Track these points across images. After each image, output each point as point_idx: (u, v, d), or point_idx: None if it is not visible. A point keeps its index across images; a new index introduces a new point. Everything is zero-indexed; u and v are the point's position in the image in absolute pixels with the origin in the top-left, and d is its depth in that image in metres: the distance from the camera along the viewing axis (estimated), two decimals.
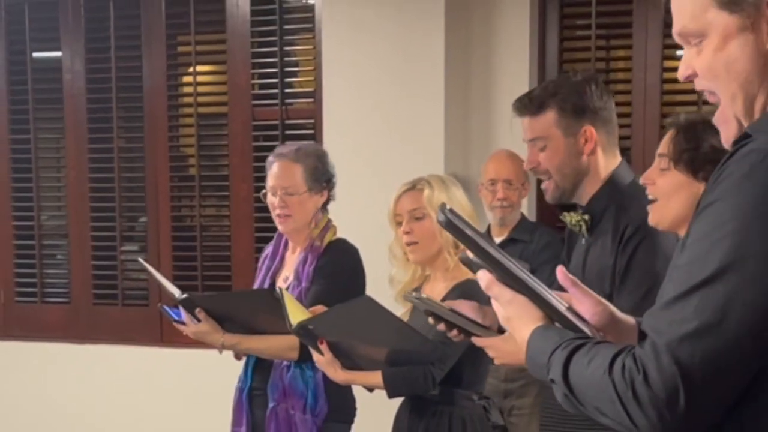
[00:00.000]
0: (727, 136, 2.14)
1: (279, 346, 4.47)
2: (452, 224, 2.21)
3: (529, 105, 3.85)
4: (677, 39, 2.15)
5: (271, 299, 4.26)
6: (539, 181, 5.88)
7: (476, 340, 2.96)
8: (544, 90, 3.91)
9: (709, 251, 1.88)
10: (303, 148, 4.77)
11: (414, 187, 4.34)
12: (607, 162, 3.86)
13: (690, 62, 2.12)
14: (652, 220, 3.45)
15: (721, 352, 1.85)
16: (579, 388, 2.03)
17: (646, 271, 3.51)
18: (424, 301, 3.30)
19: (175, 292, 4.49)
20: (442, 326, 3.44)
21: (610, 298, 3.37)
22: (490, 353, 2.69)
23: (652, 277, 3.44)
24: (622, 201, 3.74)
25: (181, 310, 4.49)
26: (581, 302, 2.23)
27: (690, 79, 2.15)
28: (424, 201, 4.26)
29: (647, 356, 1.89)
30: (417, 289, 3.75)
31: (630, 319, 2.32)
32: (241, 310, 4.44)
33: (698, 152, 3.30)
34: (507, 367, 2.94)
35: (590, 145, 3.80)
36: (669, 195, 3.35)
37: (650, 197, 3.46)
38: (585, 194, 3.86)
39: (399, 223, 4.33)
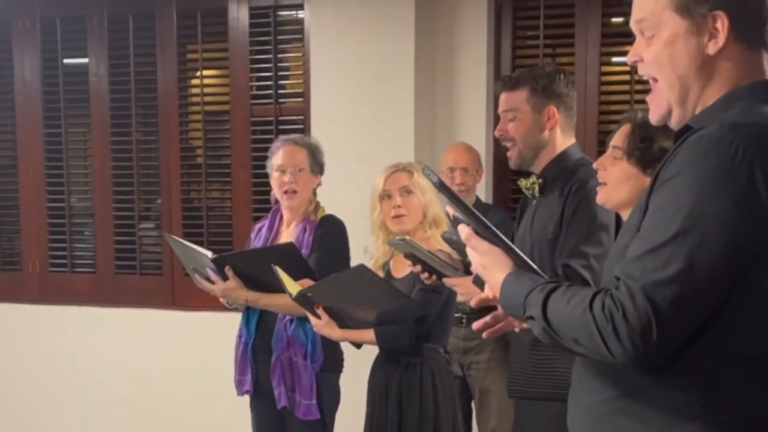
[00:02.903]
0: (654, 113, 2.28)
1: (292, 302, 4.39)
2: (444, 186, 2.38)
3: (508, 82, 3.97)
4: (633, 27, 2.26)
5: (288, 251, 4.39)
6: (496, 170, 5.95)
7: (447, 281, 2.95)
8: (522, 73, 4.02)
9: (674, 215, 1.97)
10: (304, 138, 4.91)
11: (404, 168, 4.44)
12: (563, 140, 3.97)
13: (638, 51, 2.24)
14: (599, 200, 3.48)
15: (686, 295, 1.94)
16: (557, 323, 2.11)
17: (590, 216, 3.65)
18: (408, 242, 3.31)
19: (207, 253, 4.52)
20: (418, 268, 3.49)
21: (553, 242, 3.69)
22: (459, 291, 2.65)
23: (594, 221, 3.64)
24: (570, 169, 3.85)
25: (209, 271, 4.51)
26: None
27: (635, 64, 2.27)
28: (415, 179, 4.38)
29: (624, 297, 1.98)
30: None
31: None
32: (261, 266, 4.36)
33: (650, 151, 3.32)
34: (469, 302, 2.97)
35: (551, 123, 3.91)
36: (618, 182, 3.36)
37: (600, 180, 3.47)
38: (540, 163, 3.94)
39: (387, 197, 4.40)
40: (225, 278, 4.49)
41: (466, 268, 3.39)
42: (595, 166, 3.48)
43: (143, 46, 6.75)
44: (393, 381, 4.36)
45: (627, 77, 5.91)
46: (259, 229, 4.93)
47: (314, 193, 4.83)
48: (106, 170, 6.85)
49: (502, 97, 3.96)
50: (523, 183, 3.99)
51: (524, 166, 3.96)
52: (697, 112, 2.21)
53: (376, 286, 3.96)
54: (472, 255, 2.40)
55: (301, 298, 4.12)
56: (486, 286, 2.45)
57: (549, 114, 3.91)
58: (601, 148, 5.81)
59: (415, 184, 4.32)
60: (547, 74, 3.95)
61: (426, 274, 3.48)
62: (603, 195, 3.43)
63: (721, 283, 1.98)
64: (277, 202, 4.85)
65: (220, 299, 4.69)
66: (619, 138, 3.42)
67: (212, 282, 4.56)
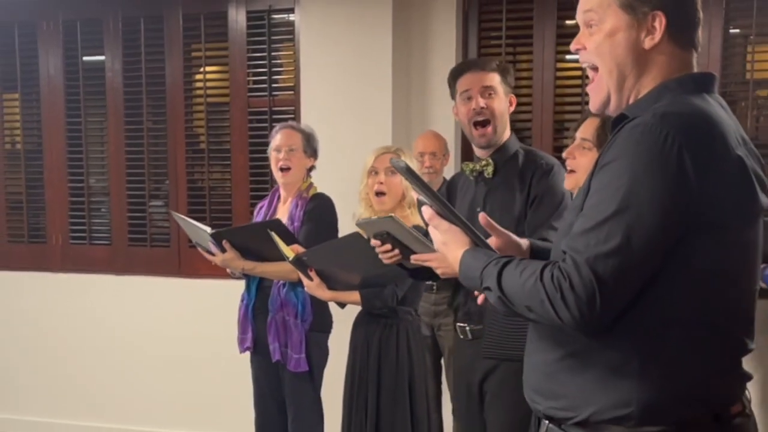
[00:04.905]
0: (594, 101, 2.28)
1: (284, 270, 4.51)
2: (409, 170, 2.37)
3: (487, 63, 3.86)
4: (579, 17, 2.25)
5: (275, 225, 4.37)
6: (463, 154, 5.92)
7: (416, 257, 2.81)
8: (491, 60, 3.95)
9: (613, 195, 1.96)
10: (301, 125, 4.99)
11: (394, 151, 4.44)
12: (509, 128, 3.90)
13: (582, 40, 2.24)
14: (568, 186, 3.47)
15: (625, 266, 1.94)
16: (511, 292, 2.11)
17: (558, 197, 3.62)
18: (395, 220, 3.11)
19: (207, 229, 4.55)
20: (387, 246, 3.24)
21: (519, 218, 3.63)
22: (431, 264, 2.56)
23: (561, 202, 3.60)
24: (525, 155, 3.81)
25: (210, 244, 4.55)
26: (498, 233, 2.44)
27: (577, 51, 2.26)
28: None
29: (570, 268, 1.97)
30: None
31: (525, 241, 2.52)
32: (255, 239, 4.44)
33: None
34: (445, 276, 2.88)
35: (511, 109, 3.86)
36: (587, 170, 3.30)
37: (569, 168, 3.46)
38: (495, 145, 3.86)
39: (374, 173, 4.40)
40: (224, 250, 4.53)
41: None
42: (564, 155, 3.47)
43: (153, 45, 6.71)
44: (373, 338, 4.42)
45: (579, 72, 5.89)
46: (260, 207, 4.98)
47: (308, 174, 4.86)
48: (121, 154, 6.81)
49: (477, 75, 3.81)
50: (470, 166, 3.88)
51: (493, 143, 3.83)
52: (631, 101, 2.21)
53: (367, 251, 3.85)
54: (434, 233, 2.42)
55: (297, 261, 4.17)
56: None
57: (511, 101, 3.87)
58: (557, 135, 5.90)
59: None
60: (508, 66, 3.91)
61: (396, 251, 3.24)
62: (572, 181, 3.40)
63: (656, 255, 1.98)
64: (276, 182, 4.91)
65: (227, 269, 4.74)
66: (588, 131, 3.39)
67: (213, 254, 4.61)
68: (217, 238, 4.50)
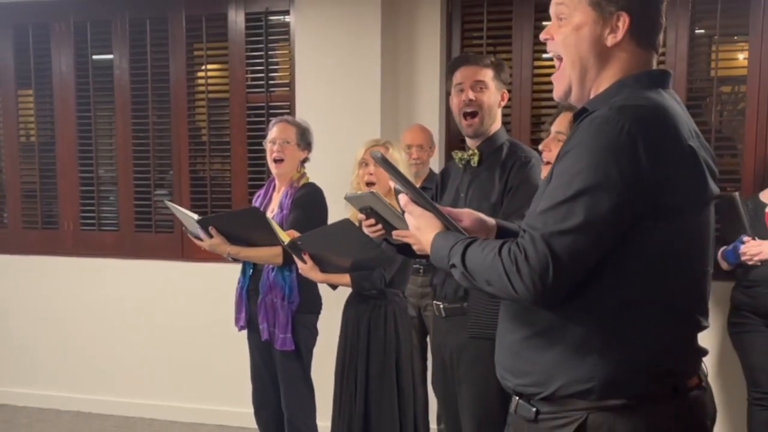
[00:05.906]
0: (557, 90, 2.29)
1: (268, 254, 4.52)
2: (385, 160, 2.38)
3: (482, 59, 3.88)
4: (552, 9, 2.26)
5: (257, 214, 4.36)
6: (447, 146, 5.93)
7: (398, 233, 2.82)
8: (486, 57, 3.94)
9: (572, 179, 1.97)
10: (296, 119, 4.95)
11: (383, 144, 4.46)
12: (499, 121, 3.91)
13: (551, 31, 2.26)
14: (544, 176, 3.40)
15: (579, 245, 1.96)
16: (473, 267, 2.13)
17: (533, 188, 3.48)
18: (374, 195, 3.09)
19: (194, 216, 4.53)
20: (371, 221, 3.17)
21: (495, 205, 3.64)
22: (411, 241, 2.57)
23: (535, 190, 3.52)
24: (509, 147, 3.83)
25: (199, 230, 4.53)
26: (460, 214, 2.47)
27: (546, 41, 2.29)
28: (389, 154, 4.38)
29: (527, 243, 1.99)
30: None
31: (492, 220, 2.54)
32: (239, 225, 4.45)
33: None
34: (420, 252, 2.79)
35: (502, 103, 3.88)
36: None
37: (545, 160, 3.48)
38: (483, 136, 3.88)
39: (364, 165, 4.46)
40: (211, 236, 4.53)
41: None
42: (541, 147, 3.48)
43: (158, 45, 6.70)
44: (363, 317, 4.45)
45: (555, 71, 5.86)
46: (258, 196, 4.99)
47: (302, 165, 4.84)
48: (128, 147, 6.81)
49: (471, 69, 3.85)
50: (458, 155, 3.91)
51: (479, 133, 3.86)
52: (592, 95, 2.23)
53: (358, 237, 3.89)
54: (408, 219, 2.43)
55: (292, 246, 4.16)
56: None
57: (503, 96, 3.88)
58: (535, 128, 5.89)
59: (389, 158, 4.26)
60: (503, 64, 3.92)
61: (377, 227, 3.21)
62: (548, 172, 3.39)
63: (609, 236, 1.99)
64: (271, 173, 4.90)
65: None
66: (562, 124, 3.40)
67: (202, 239, 4.61)
68: (203, 225, 4.50)
